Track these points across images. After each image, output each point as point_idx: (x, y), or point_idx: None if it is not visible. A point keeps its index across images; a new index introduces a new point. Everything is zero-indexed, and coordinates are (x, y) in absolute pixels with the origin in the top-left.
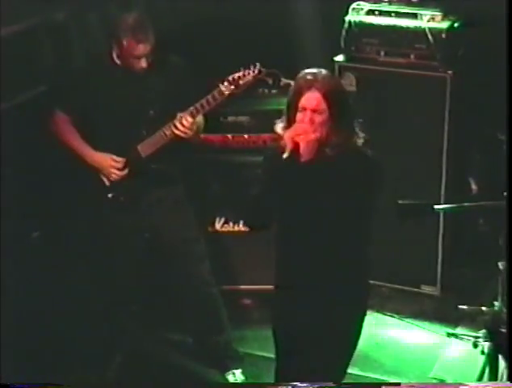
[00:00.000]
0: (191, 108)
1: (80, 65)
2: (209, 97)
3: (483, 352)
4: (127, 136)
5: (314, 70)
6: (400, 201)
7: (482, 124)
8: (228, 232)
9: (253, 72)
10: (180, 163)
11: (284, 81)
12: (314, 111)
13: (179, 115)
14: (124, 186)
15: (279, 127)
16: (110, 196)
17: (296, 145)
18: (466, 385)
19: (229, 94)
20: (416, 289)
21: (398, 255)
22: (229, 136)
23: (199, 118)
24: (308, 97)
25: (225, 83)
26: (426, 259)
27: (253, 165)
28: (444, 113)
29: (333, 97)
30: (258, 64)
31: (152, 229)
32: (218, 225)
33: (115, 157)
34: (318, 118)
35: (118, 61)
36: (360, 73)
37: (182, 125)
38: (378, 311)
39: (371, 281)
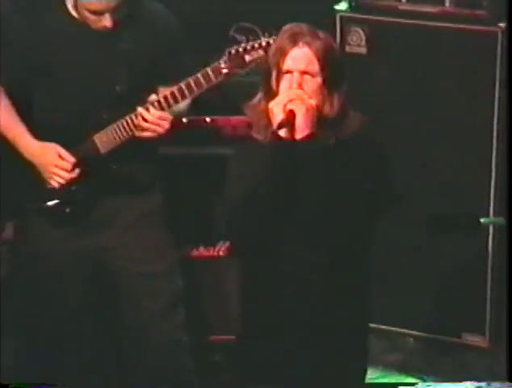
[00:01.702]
0: (160, 96)
1: (16, 10)
2: (199, 76)
3: None
4: (82, 120)
5: (299, 24)
6: (432, 214)
7: None
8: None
9: (267, 43)
10: (156, 164)
11: (264, 39)
12: (304, 73)
13: (145, 105)
14: (73, 192)
15: (253, 104)
16: (50, 204)
17: (290, 116)
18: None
19: (229, 74)
20: (455, 339)
21: (429, 290)
22: (207, 119)
23: (181, 105)
24: (294, 55)
25: (224, 58)
26: (470, 297)
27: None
28: (494, 84)
29: (327, 55)
30: (273, 31)
31: (103, 255)
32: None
33: (62, 151)
34: (310, 83)
35: (74, 13)
36: (372, 27)
37: (145, 120)
38: (401, 371)
39: (392, 328)
